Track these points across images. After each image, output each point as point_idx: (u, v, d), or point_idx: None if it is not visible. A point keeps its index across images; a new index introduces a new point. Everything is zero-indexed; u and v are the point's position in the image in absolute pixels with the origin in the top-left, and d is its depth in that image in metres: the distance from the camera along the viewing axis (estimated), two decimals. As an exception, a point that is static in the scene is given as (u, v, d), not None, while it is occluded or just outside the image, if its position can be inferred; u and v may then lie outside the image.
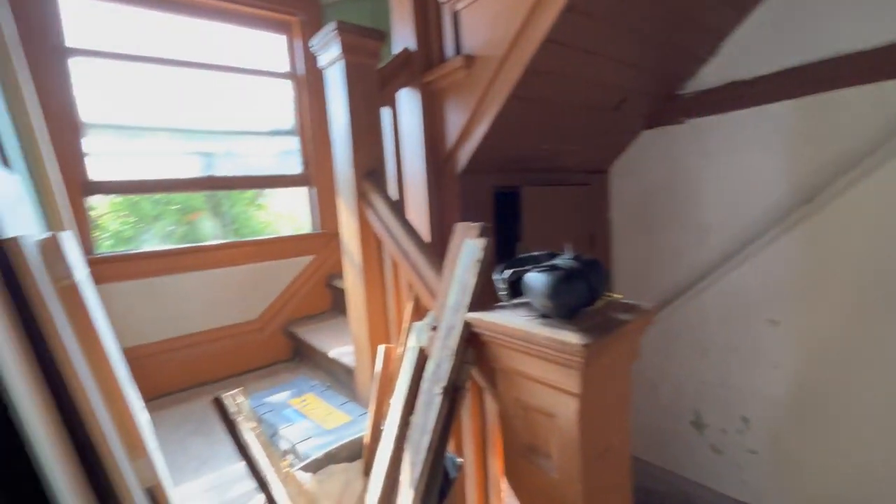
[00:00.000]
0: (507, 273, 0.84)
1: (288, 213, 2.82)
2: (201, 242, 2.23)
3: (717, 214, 1.84)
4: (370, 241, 1.41)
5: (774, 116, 1.65)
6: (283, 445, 1.33)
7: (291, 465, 0.99)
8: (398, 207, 1.35)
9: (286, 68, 2.39)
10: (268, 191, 2.67)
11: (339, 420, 1.38)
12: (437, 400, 0.88)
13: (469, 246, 0.99)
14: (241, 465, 1.35)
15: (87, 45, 1.82)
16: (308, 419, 1.42)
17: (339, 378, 1.85)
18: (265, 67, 2.32)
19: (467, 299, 0.93)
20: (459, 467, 0.97)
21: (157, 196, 2.32)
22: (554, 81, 1.44)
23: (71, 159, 1.76)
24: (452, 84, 1.50)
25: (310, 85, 2.39)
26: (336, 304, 2.45)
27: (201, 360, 2.06)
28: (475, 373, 1.01)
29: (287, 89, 2.41)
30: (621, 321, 0.80)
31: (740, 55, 1.70)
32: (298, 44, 2.37)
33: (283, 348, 2.30)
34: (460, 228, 1.06)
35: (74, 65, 1.78)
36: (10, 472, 0.82)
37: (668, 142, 1.97)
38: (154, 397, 1.93)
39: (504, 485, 0.95)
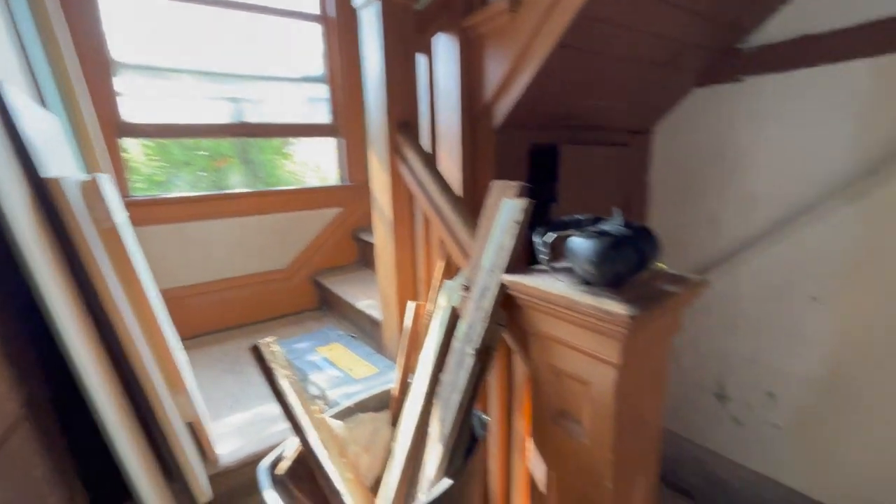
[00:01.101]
0: (551, 236, 0.81)
1: (314, 164, 2.80)
2: (230, 189, 2.25)
3: (767, 184, 1.73)
4: (402, 196, 1.38)
5: (846, 76, 1.50)
6: (313, 391, 1.38)
7: (323, 412, 1.02)
8: (432, 162, 1.30)
9: (316, 10, 2.28)
10: (294, 140, 2.63)
11: (367, 371, 1.42)
12: (469, 360, 0.88)
13: (508, 206, 0.95)
14: (272, 406, 1.41)
15: (115, -22, 1.75)
16: (336, 368, 1.46)
17: (365, 329, 1.88)
18: (294, 8, 2.22)
19: (503, 261, 0.90)
20: (486, 426, 0.98)
21: (187, 142, 2.32)
22: (605, 30, 1.32)
23: (104, 99, 1.75)
24: (494, 30, 1.39)
25: (340, 29, 2.28)
26: (362, 257, 2.47)
27: (233, 304, 2.13)
28: (507, 336, 1.00)
29: (316, 33, 2.31)
30: (669, 293, 0.76)
31: (817, 5, 1.52)
32: (329, -18, 2.25)
33: (311, 297, 2.35)
34: (497, 186, 1.02)
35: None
36: (63, 406, 0.86)
37: (720, 101, 1.83)
38: (189, 337, 2.02)
39: (530, 445, 0.96)
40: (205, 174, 2.47)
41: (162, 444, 1.02)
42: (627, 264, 0.72)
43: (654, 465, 0.93)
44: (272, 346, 0.92)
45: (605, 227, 0.77)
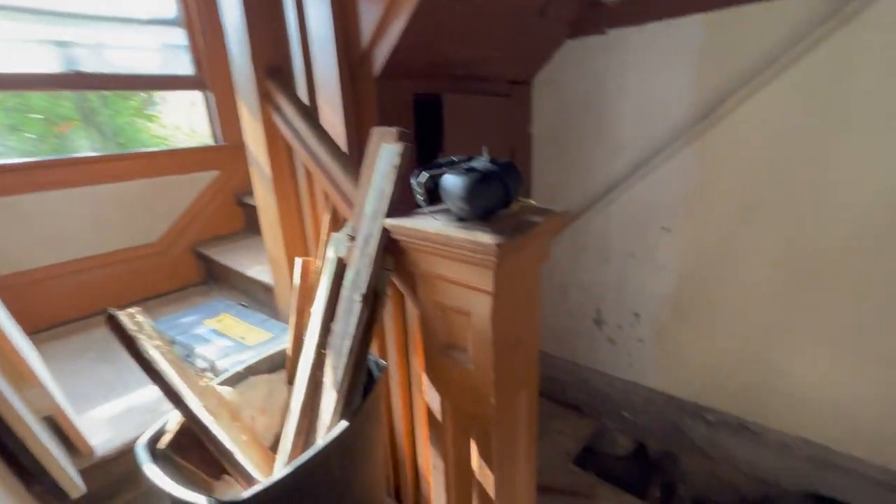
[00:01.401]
0: (424, 177, 0.82)
1: (188, 126, 2.48)
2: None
3: (629, 130, 1.93)
4: (279, 149, 1.30)
5: (684, 30, 1.69)
6: (201, 364, 1.30)
7: (210, 381, 0.97)
8: (308, 110, 1.23)
9: (159, -64, 1.95)
10: (159, 99, 2.31)
11: (261, 337, 1.36)
12: (357, 307, 0.89)
13: (386, 151, 0.94)
14: (154, 389, 1.31)
15: None
16: (227, 338, 1.38)
17: (258, 297, 1.79)
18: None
19: (385, 206, 0.91)
20: (383, 369, 1.01)
21: (10, 102, 1.91)
22: (477, -26, 1.33)
23: None
24: (365, -32, 1.32)
25: (193, -39, 1.99)
26: (250, 223, 2.30)
27: (97, 286, 1.87)
28: (396, 280, 1.02)
29: (164, -35, 1.99)
30: (534, 223, 0.83)
31: (662, -39, 1.68)
32: None
33: (194, 271, 2.15)
34: (377, 133, 1.00)
35: None
36: None
37: (589, 53, 1.96)
38: (48, 327, 1.75)
39: (425, 379, 1.01)
40: (39, 140, 2.06)
41: (15, 446, 0.90)
42: (495, 198, 0.77)
43: (534, 380, 1.04)
44: (136, 315, 0.83)
45: (474, 164, 0.80)
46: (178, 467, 0.81)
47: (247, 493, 0.68)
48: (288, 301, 1.47)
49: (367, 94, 1.48)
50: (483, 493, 1.01)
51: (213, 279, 2.16)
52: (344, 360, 0.87)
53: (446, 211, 0.88)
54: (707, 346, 1.94)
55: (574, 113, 2.08)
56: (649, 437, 2.24)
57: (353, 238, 0.99)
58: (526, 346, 0.97)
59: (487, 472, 0.97)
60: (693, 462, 2.11)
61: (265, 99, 1.25)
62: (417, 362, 1.07)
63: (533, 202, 0.96)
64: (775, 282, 1.71)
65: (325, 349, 0.94)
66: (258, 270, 1.77)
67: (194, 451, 0.83)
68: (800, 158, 1.56)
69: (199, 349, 1.31)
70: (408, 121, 1.56)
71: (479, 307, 0.83)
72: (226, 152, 2.20)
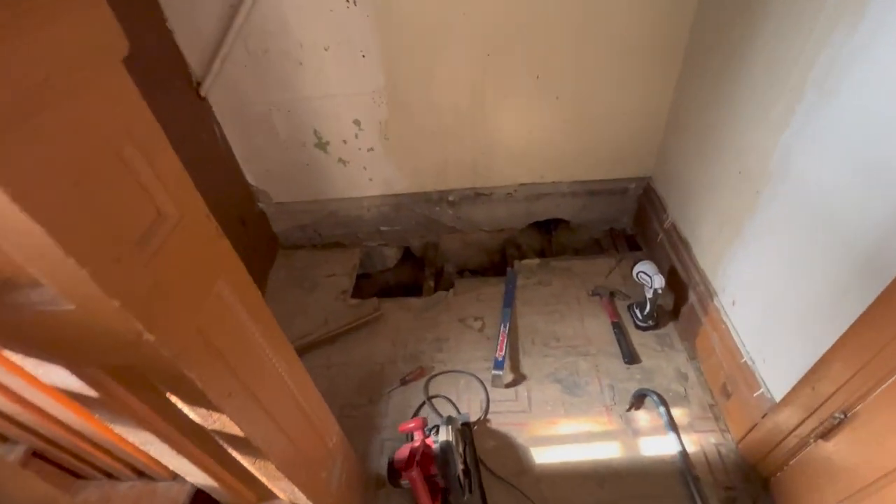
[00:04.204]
0: None
1: None
2: None
3: None
4: None
5: None
6: None
7: None
8: None
9: None
10: None
11: None
12: None
13: None
14: None
15: None
16: None
17: None
18: None
19: None
20: None
21: None
22: None
23: None
24: None
25: None
26: None
27: None
28: None
29: None
30: None
31: None
32: None
33: None
34: None
35: None
36: None
37: None
38: None
39: (25, 363, 0.54)
40: None
41: None
42: None
43: (230, 258, 0.68)
44: None
45: None
46: None
47: None
48: None
49: None
50: (231, 438, 0.71)
51: None
52: None
53: None
54: (431, 133, 1.86)
55: None
56: (411, 238, 2.29)
57: None
58: (190, 221, 0.57)
59: (216, 414, 0.65)
60: (449, 240, 2.28)
61: None
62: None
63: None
64: (474, 53, 1.62)
65: None
66: None
67: None
68: None
69: None
70: None
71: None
72: None
